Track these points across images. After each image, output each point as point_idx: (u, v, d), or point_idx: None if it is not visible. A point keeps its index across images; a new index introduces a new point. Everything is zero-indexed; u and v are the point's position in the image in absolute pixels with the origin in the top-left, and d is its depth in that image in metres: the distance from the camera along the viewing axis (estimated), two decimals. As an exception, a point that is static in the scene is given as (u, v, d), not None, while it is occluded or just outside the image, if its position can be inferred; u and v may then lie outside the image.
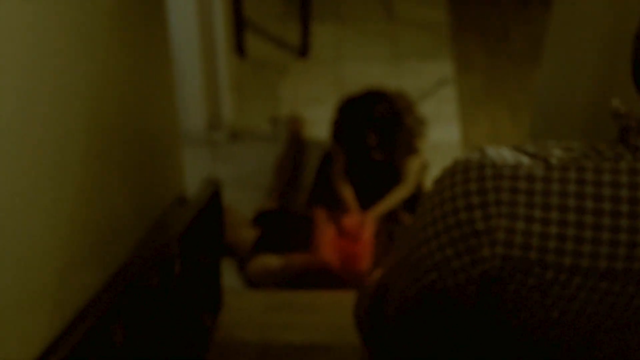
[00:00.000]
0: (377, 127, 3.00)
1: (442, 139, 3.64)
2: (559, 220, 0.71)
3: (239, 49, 3.90)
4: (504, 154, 0.75)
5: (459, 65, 3.94)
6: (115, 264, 1.55)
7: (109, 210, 1.52)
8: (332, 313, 2.60)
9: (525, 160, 0.74)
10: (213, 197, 2.25)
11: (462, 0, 4.23)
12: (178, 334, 1.91)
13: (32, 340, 1.15)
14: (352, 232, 3.07)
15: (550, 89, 2.29)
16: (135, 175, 1.73)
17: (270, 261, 3.02)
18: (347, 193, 3.15)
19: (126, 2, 1.55)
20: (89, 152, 1.34)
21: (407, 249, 0.82)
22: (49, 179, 1.17)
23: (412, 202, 3.23)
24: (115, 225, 1.57)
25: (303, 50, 3.93)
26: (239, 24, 3.80)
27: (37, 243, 1.14)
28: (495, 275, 0.74)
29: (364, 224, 3.07)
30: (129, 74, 1.62)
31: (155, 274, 1.67)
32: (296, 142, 3.54)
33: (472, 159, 0.76)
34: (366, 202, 3.19)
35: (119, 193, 1.59)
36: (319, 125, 3.64)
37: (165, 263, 1.73)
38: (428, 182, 3.35)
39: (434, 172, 3.46)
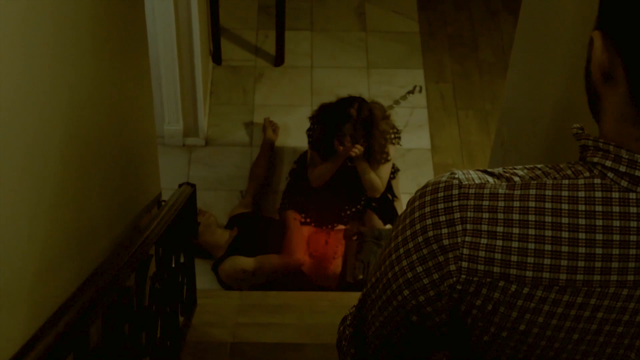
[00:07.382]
0: (352, 129, 3.07)
1: (413, 145, 3.73)
2: (520, 235, 0.74)
3: (215, 56, 3.96)
4: (471, 175, 0.78)
5: (429, 73, 4.03)
6: (92, 265, 1.55)
7: (87, 212, 1.53)
8: (303, 313, 2.64)
9: (490, 180, 0.77)
10: (188, 200, 2.31)
11: (433, 11, 4.33)
12: (152, 334, 1.95)
13: (7, 341, 1.14)
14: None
15: (516, 97, 2.37)
16: (112, 178, 1.76)
17: (243, 263, 3.08)
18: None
19: (106, 11, 1.60)
20: (67, 155, 1.35)
21: (382, 270, 0.84)
22: (26, 182, 1.16)
23: (381, 205, 3.31)
24: (93, 226, 1.58)
25: (278, 58, 3.98)
26: (216, 32, 3.86)
27: (14, 245, 1.14)
28: (462, 289, 0.76)
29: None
30: (108, 80, 1.65)
31: (131, 275, 1.71)
32: (270, 147, 3.61)
33: (440, 180, 0.79)
34: (340, 204, 3.25)
35: (97, 196, 1.61)
36: (293, 131, 3.71)
37: (141, 264, 1.77)
38: (399, 186, 3.43)
39: (405, 176, 3.55)
